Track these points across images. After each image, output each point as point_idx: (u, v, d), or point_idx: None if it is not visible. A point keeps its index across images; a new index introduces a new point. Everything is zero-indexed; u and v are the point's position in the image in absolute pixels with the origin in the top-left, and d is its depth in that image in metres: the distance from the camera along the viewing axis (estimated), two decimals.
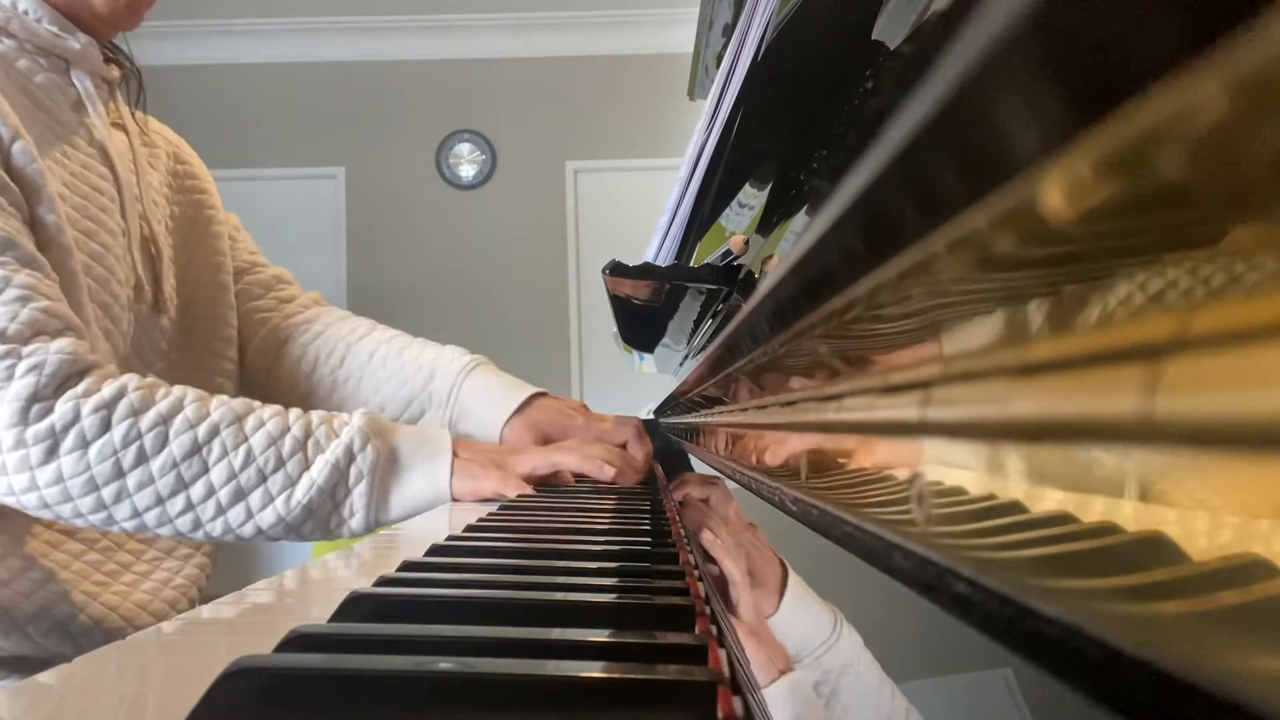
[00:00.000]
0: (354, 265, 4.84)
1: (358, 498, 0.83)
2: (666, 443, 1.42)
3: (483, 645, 0.33)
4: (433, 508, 0.86)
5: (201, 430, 0.81)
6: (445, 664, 0.29)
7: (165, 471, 0.79)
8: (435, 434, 0.89)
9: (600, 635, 0.35)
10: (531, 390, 1.05)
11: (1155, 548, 0.11)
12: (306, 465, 0.82)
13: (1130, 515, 0.11)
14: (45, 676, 0.31)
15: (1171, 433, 0.10)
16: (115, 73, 1.01)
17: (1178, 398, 0.10)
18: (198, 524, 0.81)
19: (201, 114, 4.81)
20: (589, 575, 0.52)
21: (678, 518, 0.77)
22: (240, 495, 0.81)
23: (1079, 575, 0.13)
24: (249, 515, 0.81)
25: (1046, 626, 0.13)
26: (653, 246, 0.77)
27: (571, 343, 4.79)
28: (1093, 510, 0.12)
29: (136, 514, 0.80)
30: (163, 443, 0.79)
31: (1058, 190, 0.12)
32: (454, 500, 0.86)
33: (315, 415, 0.86)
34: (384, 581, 0.47)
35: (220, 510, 0.81)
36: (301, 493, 0.82)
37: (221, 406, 0.83)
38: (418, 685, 0.28)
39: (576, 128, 4.82)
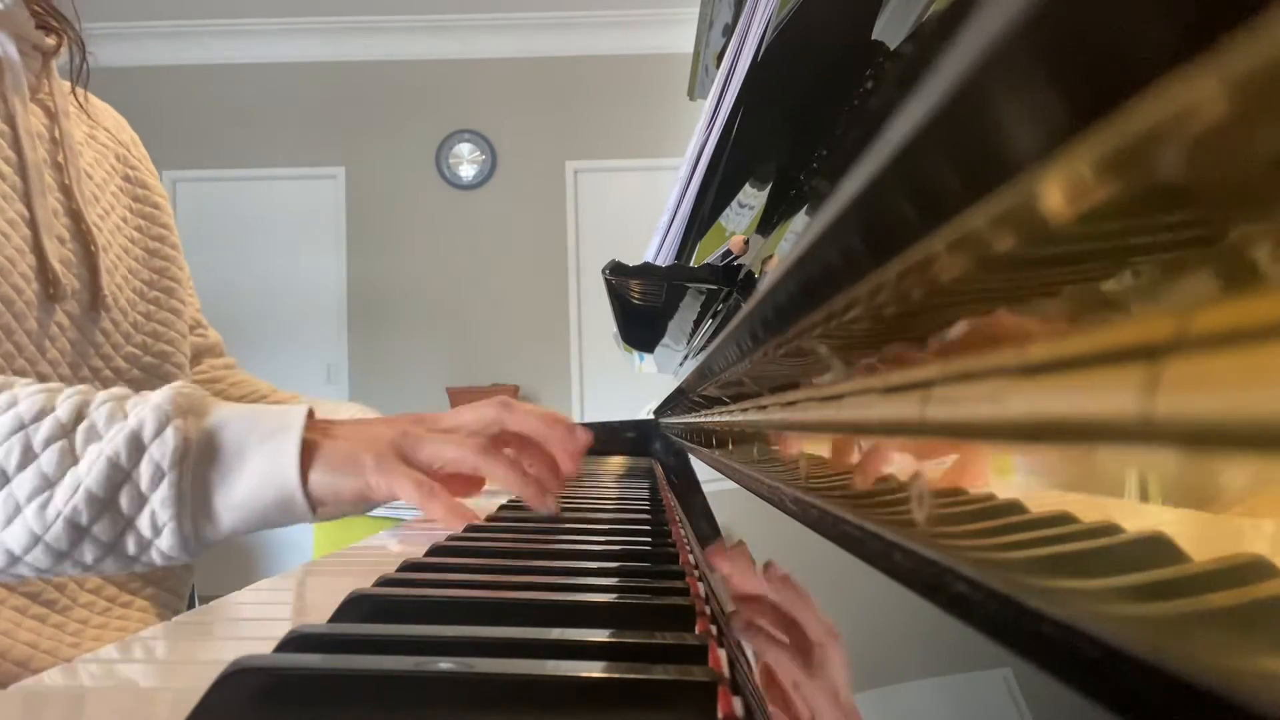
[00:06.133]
0: (354, 265, 4.84)
1: (159, 505, 0.56)
2: (667, 442, 1.42)
3: (483, 645, 0.33)
4: (286, 513, 0.59)
5: None
6: (445, 664, 0.29)
7: None
8: (280, 408, 0.62)
9: (600, 635, 0.35)
10: None
11: (1155, 548, 0.11)
12: (73, 460, 0.56)
13: (1130, 515, 0.11)
14: None
15: (1171, 433, 0.10)
16: (50, 41, 0.86)
17: (1178, 397, 0.10)
18: None
19: (201, 114, 4.82)
20: (589, 575, 0.52)
21: (678, 519, 0.77)
22: None
23: (1079, 575, 0.13)
24: None
25: (1046, 626, 0.13)
26: (653, 246, 0.77)
27: (571, 343, 4.79)
28: (1093, 510, 0.12)
29: None
30: None
31: (1058, 190, 0.12)
32: (312, 500, 0.59)
33: (105, 392, 0.60)
34: (384, 581, 0.47)
35: None
36: (62, 500, 0.55)
37: None
38: (418, 685, 0.28)
39: (576, 128, 4.82)
